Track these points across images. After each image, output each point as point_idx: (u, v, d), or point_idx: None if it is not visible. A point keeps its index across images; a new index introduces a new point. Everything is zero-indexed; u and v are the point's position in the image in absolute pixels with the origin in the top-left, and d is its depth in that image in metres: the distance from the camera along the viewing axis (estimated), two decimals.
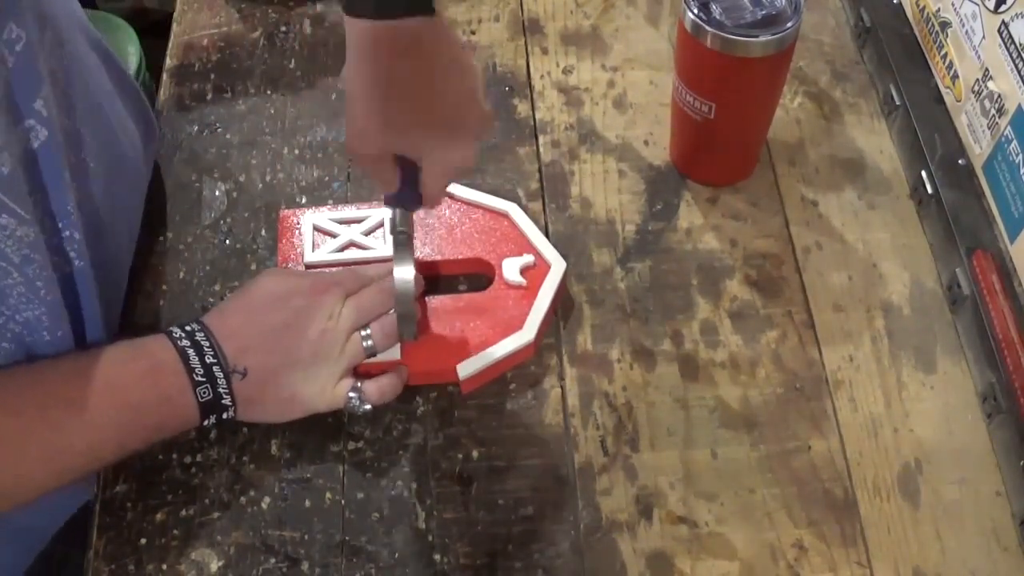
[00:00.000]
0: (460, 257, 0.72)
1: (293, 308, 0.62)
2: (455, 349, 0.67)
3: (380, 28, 0.53)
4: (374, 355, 0.65)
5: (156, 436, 0.61)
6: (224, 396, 0.60)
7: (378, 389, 0.64)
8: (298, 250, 0.72)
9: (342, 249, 0.72)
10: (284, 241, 0.73)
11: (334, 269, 0.70)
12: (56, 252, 0.58)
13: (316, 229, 0.73)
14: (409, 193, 0.61)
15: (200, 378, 0.59)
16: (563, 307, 0.72)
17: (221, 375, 0.59)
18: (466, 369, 0.66)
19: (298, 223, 0.74)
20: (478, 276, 0.73)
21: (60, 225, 0.58)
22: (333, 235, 0.73)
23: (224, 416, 0.61)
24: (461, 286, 0.73)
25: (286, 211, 0.75)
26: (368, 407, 0.64)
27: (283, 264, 0.72)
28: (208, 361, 0.59)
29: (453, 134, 0.57)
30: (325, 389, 0.63)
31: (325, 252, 0.72)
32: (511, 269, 0.71)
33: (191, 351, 0.59)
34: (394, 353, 0.66)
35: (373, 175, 0.61)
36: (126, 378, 0.58)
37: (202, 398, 0.59)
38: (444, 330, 0.68)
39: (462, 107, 0.57)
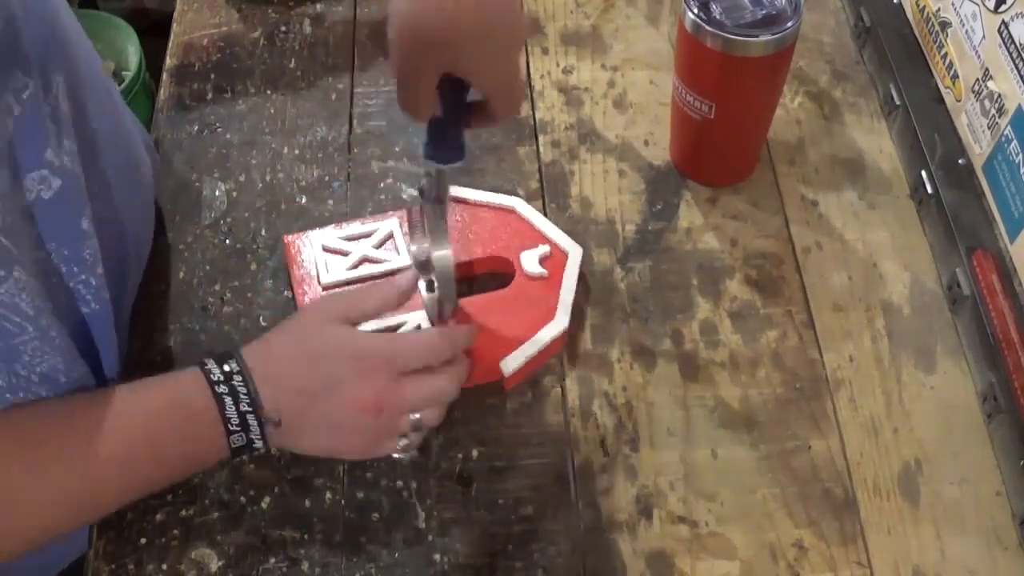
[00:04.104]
0: (477, 257, 0.72)
1: (335, 374, 0.58)
2: (494, 347, 0.67)
3: None
4: (419, 429, 0.61)
5: (179, 476, 0.60)
6: (256, 441, 0.58)
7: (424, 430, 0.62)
8: (312, 273, 0.71)
9: (356, 266, 0.72)
10: (295, 266, 0.72)
11: (393, 326, 0.66)
12: (67, 295, 0.57)
13: (326, 249, 0.72)
14: (449, 144, 0.58)
15: (235, 427, 0.56)
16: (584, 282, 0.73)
17: (255, 424, 0.57)
18: (509, 365, 0.66)
19: (306, 246, 0.73)
20: (495, 274, 0.73)
21: (75, 271, 0.57)
22: (344, 253, 0.72)
23: (253, 453, 0.60)
24: (478, 287, 0.73)
25: (289, 237, 0.73)
26: (415, 454, 0.63)
27: (300, 290, 0.71)
28: (243, 409, 0.56)
29: (498, 42, 0.54)
30: (365, 451, 0.61)
31: (341, 271, 0.71)
32: (530, 261, 0.71)
33: (228, 399, 0.56)
34: None
35: (412, 102, 0.56)
36: (160, 431, 0.56)
37: (235, 444, 0.57)
38: (479, 331, 0.68)
39: (502, 14, 0.54)
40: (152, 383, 0.58)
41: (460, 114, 0.58)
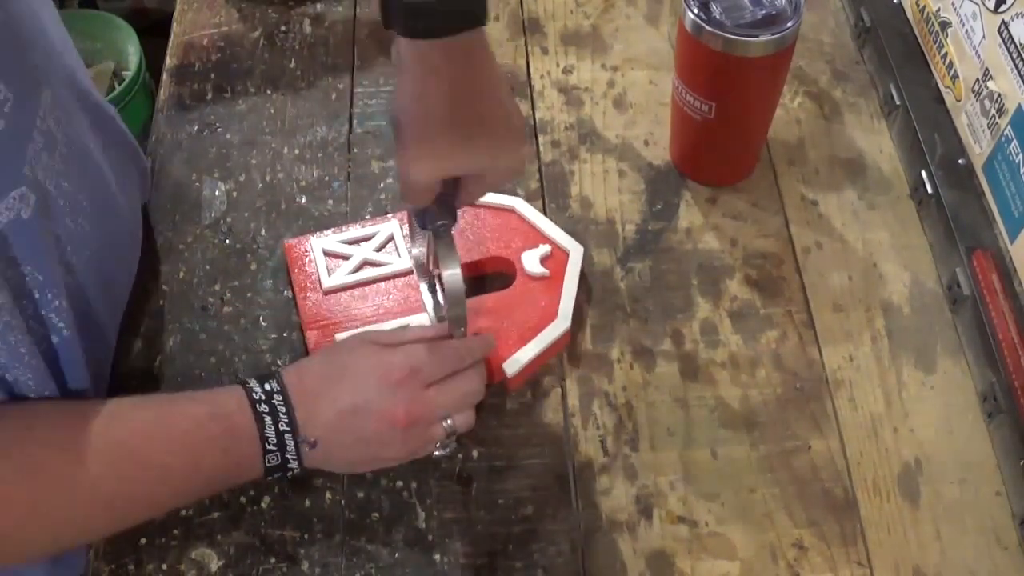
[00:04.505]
0: (479, 258, 0.72)
1: (364, 392, 0.59)
2: (497, 349, 0.67)
3: (437, 47, 0.52)
4: (454, 434, 0.62)
5: (211, 491, 0.61)
6: (291, 461, 0.58)
7: (464, 425, 0.63)
8: (313, 278, 0.71)
9: (357, 269, 0.72)
10: (297, 271, 0.72)
11: (413, 342, 0.63)
12: (38, 321, 0.56)
13: (327, 254, 0.72)
14: (443, 214, 0.61)
15: (271, 447, 0.57)
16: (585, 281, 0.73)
17: (292, 444, 0.58)
18: (512, 366, 0.66)
19: (307, 250, 0.73)
20: (497, 274, 0.73)
21: (48, 297, 0.56)
22: (345, 256, 0.72)
23: (287, 475, 0.60)
24: (480, 288, 0.73)
25: (291, 240, 0.74)
26: (454, 446, 0.64)
27: (302, 295, 0.71)
28: (281, 429, 0.57)
29: (504, 145, 0.57)
30: (405, 458, 0.62)
31: (342, 275, 0.71)
32: (531, 261, 0.71)
33: (268, 418, 0.57)
34: None
35: (415, 199, 0.59)
36: (200, 440, 0.57)
37: (269, 464, 0.58)
38: (480, 332, 0.68)
39: (510, 116, 0.56)
40: (193, 394, 0.59)
41: (453, 196, 0.60)
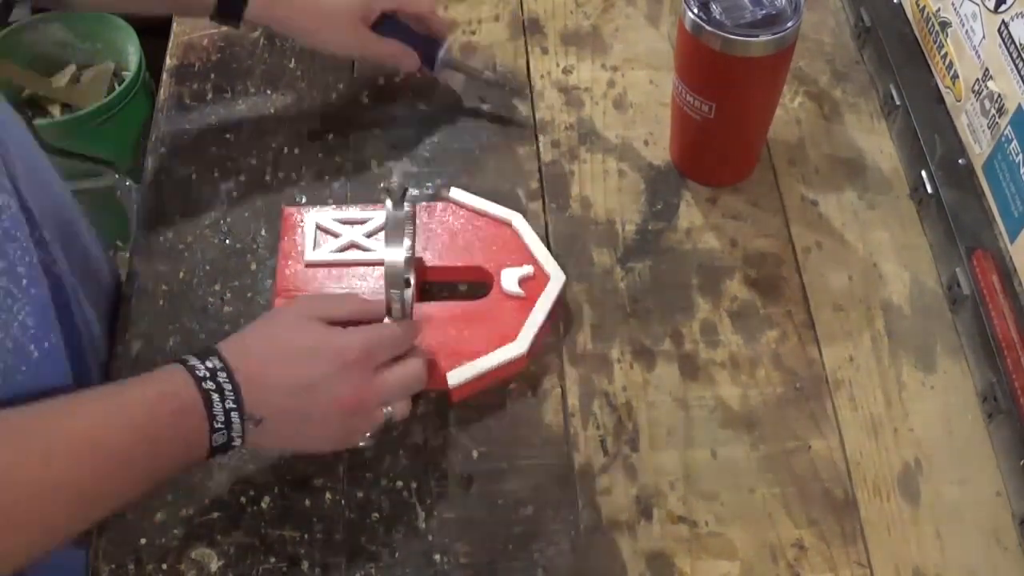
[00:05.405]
0: (459, 264, 0.72)
1: (316, 372, 0.58)
2: (447, 357, 0.66)
3: None
4: (391, 420, 0.62)
5: (164, 477, 0.59)
6: (235, 439, 0.57)
7: (400, 413, 0.63)
8: (299, 248, 0.72)
9: (343, 249, 0.72)
10: (286, 239, 0.73)
11: (352, 314, 0.63)
12: (21, 336, 0.56)
13: (319, 228, 0.73)
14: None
15: (219, 425, 0.56)
16: (564, 309, 0.72)
17: (237, 422, 0.56)
18: (456, 378, 0.66)
19: (301, 221, 0.73)
20: (476, 284, 0.73)
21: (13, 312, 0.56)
22: (335, 234, 0.73)
23: (227, 454, 0.59)
24: (459, 293, 0.73)
25: (289, 208, 0.74)
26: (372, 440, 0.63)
27: (284, 263, 0.71)
28: (228, 407, 0.56)
29: None
30: (334, 447, 0.62)
31: (326, 252, 0.72)
32: (509, 279, 0.70)
33: (215, 395, 0.56)
34: None
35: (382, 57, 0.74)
36: (154, 421, 0.55)
37: (215, 443, 0.57)
38: (439, 337, 0.68)
39: None
40: (139, 379, 0.57)
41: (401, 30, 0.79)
